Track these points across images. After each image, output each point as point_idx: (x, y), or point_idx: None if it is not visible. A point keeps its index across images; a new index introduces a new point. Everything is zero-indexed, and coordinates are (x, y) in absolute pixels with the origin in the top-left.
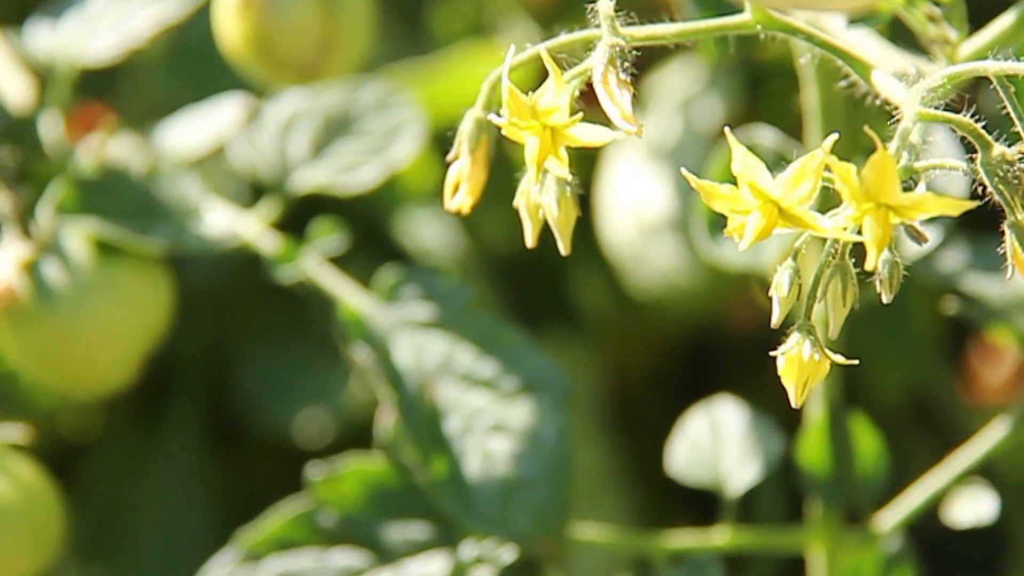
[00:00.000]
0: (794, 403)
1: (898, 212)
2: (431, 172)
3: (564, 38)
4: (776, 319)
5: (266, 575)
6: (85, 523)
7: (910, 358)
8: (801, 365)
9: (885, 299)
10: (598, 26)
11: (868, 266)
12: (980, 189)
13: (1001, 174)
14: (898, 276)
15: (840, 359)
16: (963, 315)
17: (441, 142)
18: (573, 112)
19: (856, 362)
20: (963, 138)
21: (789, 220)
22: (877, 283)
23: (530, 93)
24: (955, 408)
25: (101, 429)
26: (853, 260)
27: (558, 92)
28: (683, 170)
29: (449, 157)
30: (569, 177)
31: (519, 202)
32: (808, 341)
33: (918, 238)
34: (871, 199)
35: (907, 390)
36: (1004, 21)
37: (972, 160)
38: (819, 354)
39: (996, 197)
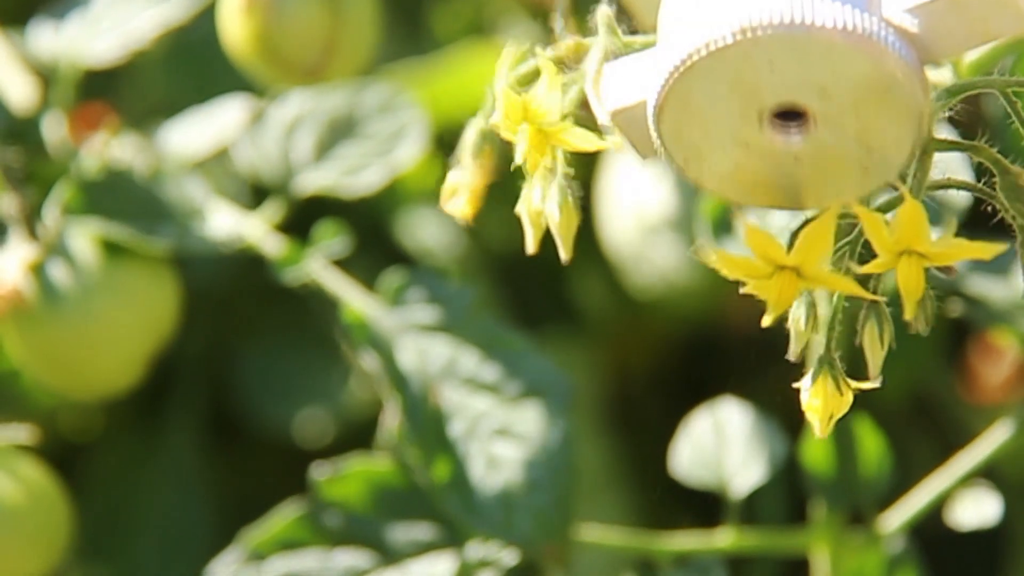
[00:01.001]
0: (819, 435)
1: (930, 259)
2: (433, 173)
3: (566, 42)
4: (794, 353)
5: (270, 575)
6: (86, 523)
7: (912, 359)
8: (826, 399)
9: (923, 332)
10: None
11: (906, 316)
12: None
13: (1022, 198)
14: (931, 309)
15: (864, 385)
16: (965, 316)
17: (443, 143)
18: (575, 118)
19: (879, 384)
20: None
21: (812, 281)
22: (912, 321)
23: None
24: (957, 408)
25: (102, 429)
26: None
27: (550, 92)
28: (698, 245)
29: (451, 166)
30: (570, 182)
31: (520, 208)
32: (831, 376)
33: (947, 273)
34: (902, 248)
35: (909, 391)
36: None
37: (987, 181)
38: (843, 388)
39: (1012, 221)
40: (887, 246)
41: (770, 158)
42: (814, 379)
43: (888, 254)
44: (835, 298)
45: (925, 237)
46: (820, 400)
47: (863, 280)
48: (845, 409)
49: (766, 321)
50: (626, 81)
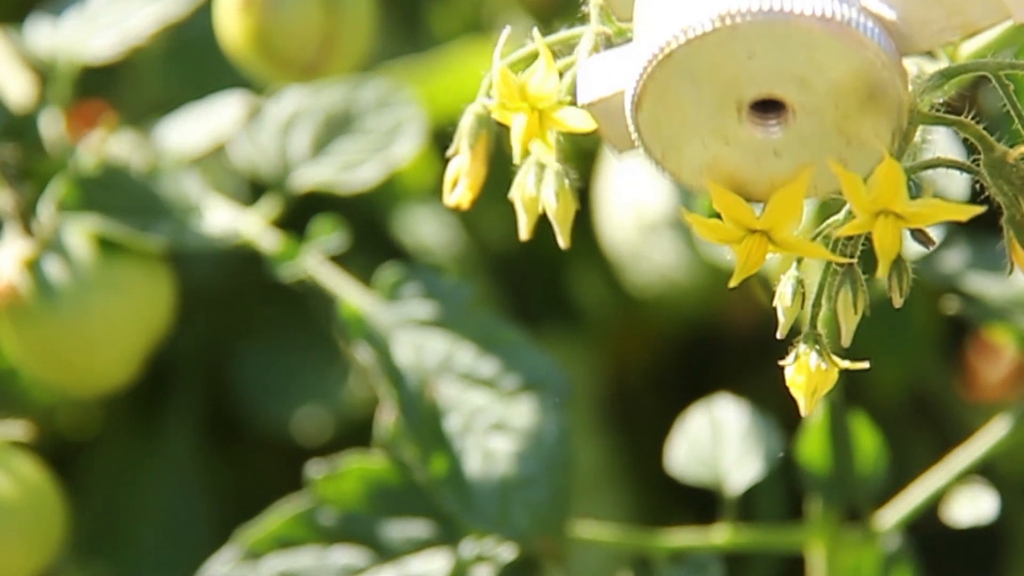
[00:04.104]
0: (804, 413)
1: (906, 220)
2: (430, 169)
3: (562, 34)
4: (782, 330)
5: (266, 573)
6: (84, 520)
7: (909, 356)
8: (809, 375)
9: (896, 303)
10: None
11: (879, 275)
12: (979, 188)
13: (1005, 174)
14: (907, 280)
15: (849, 364)
16: (963, 314)
17: (440, 139)
18: (568, 104)
19: (866, 366)
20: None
21: (781, 246)
22: (887, 287)
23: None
24: (954, 406)
25: (100, 426)
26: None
27: (547, 74)
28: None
29: (449, 152)
30: (565, 168)
31: (514, 194)
32: (815, 350)
33: (925, 242)
34: (879, 208)
35: (906, 388)
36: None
37: (974, 159)
38: (827, 363)
39: (997, 197)
40: (864, 206)
41: (749, 152)
42: (798, 355)
43: (865, 214)
44: (821, 274)
45: (902, 197)
46: (804, 376)
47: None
48: (830, 385)
49: (732, 283)
50: (603, 72)
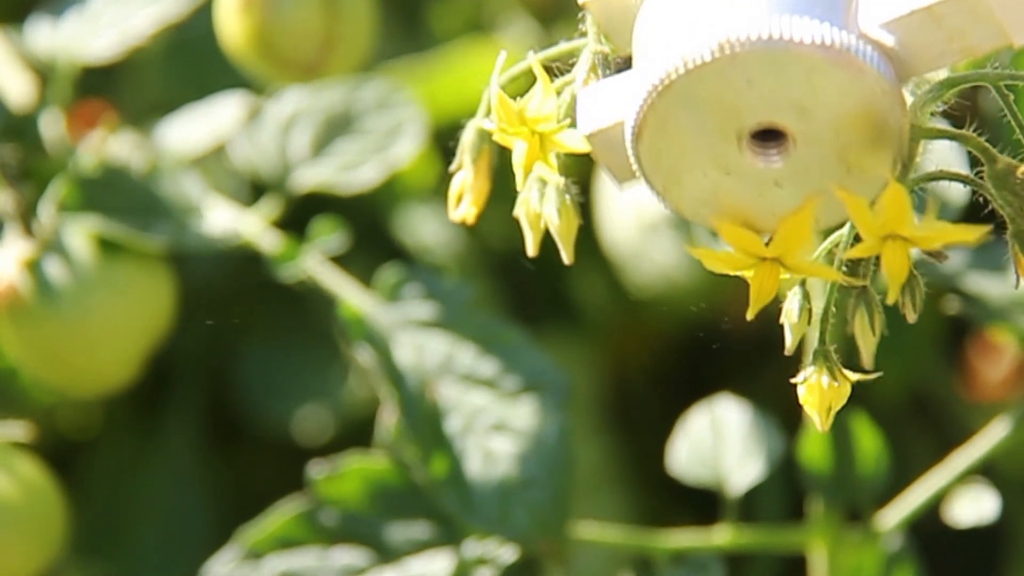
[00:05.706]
0: (820, 429)
1: (914, 243)
2: (431, 170)
3: (561, 47)
4: (790, 347)
5: (267, 574)
6: (85, 520)
7: (910, 356)
8: (822, 393)
9: (910, 319)
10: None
11: (889, 300)
12: (980, 195)
13: (1009, 186)
14: (920, 295)
15: (860, 377)
16: (963, 314)
17: (441, 139)
18: (567, 120)
19: (880, 374)
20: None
21: (794, 271)
22: (900, 305)
23: (519, 99)
24: (955, 406)
25: (101, 426)
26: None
27: (545, 98)
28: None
29: (452, 168)
30: (568, 185)
31: (519, 212)
32: (826, 368)
33: (937, 259)
34: (886, 232)
35: (907, 388)
36: None
37: (978, 171)
38: (839, 379)
39: (1001, 210)
40: (871, 230)
41: (750, 182)
42: (810, 372)
43: (873, 238)
44: (828, 290)
45: (909, 221)
46: (817, 394)
47: (851, 270)
48: (843, 401)
49: (749, 314)
50: (603, 102)
